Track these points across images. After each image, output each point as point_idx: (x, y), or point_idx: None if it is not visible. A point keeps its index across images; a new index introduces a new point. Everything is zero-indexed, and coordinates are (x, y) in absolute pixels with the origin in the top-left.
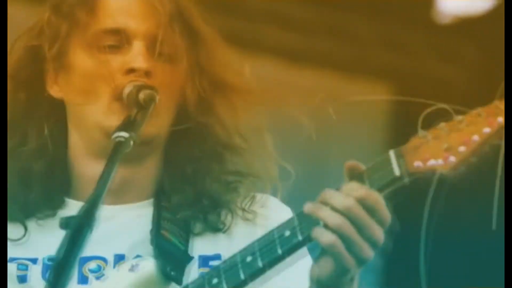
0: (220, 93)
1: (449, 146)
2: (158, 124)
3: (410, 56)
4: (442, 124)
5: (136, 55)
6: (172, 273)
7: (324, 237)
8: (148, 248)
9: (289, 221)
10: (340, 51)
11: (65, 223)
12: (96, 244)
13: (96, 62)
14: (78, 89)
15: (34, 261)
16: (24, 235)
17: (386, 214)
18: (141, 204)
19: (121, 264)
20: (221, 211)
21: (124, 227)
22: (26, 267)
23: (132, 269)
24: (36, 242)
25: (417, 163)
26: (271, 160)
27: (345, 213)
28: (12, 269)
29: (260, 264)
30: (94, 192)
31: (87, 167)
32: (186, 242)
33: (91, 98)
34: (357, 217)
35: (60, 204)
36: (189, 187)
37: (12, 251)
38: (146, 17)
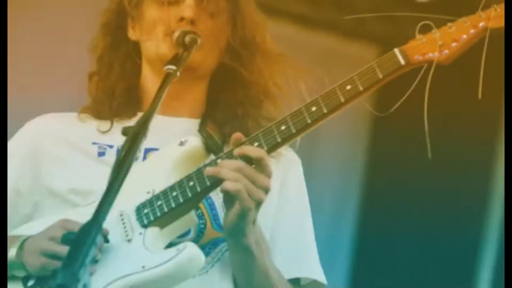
0: (250, 51)
1: (443, 43)
2: (200, 57)
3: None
4: (435, 30)
5: (186, 7)
6: (214, 147)
7: (232, 186)
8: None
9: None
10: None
11: (125, 131)
12: (154, 141)
13: (159, 12)
14: (146, 31)
15: (110, 146)
16: (109, 129)
17: (269, 168)
18: (190, 120)
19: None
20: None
21: (175, 134)
22: (104, 149)
23: (181, 143)
24: (114, 135)
25: (417, 56)
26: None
27: (241, 170)
28: (94, 149)
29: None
30: (149, 108)
31: (152, 88)
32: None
33: (153, 37)
34: (249, 173)
35: (133, 114)
36: (230, 124)
37: (97, 138)
38: None
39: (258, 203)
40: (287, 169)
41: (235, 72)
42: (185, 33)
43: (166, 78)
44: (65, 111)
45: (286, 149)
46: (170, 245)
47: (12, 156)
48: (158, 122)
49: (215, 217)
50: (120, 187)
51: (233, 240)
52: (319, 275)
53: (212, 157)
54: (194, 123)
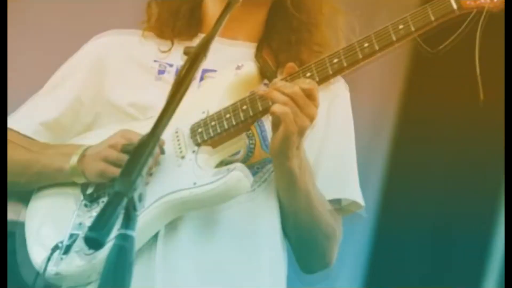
0: None
1: None
2: None
3: None
4: None
5: None
6: (268, 73)
7: (279, 108)
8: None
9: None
10: None
11: (187, 51)
12: (212, 63)
13: None
14: None
15: (170, 65)
16: (170, 49)
17: (318, 100)
18: (247, 43)
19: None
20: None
21: (233, 56)
22: (165, 67)
23: (238, 68)
24: (174, 54)
25: (469, 2)
26: (343, 40)
27: (291, 96)
28: (155, 66)
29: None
30: (211, 31)
31: (214, 10)
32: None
33: None
34: (300, 98)
35: (194, 35)
36: (285, 52)
37: (158, 56)
38: None
39: (302, 130)
40: (335, 96)
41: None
42: None
43: (229, 4)
44: None
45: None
46: (221, 164)
47: (77, 67)
48: (216, 44)
49: (264, 138)
50: (179, 103)
51: (277, 161)
52: (359, 197)
53: (266, 82)
54: (251, 47)
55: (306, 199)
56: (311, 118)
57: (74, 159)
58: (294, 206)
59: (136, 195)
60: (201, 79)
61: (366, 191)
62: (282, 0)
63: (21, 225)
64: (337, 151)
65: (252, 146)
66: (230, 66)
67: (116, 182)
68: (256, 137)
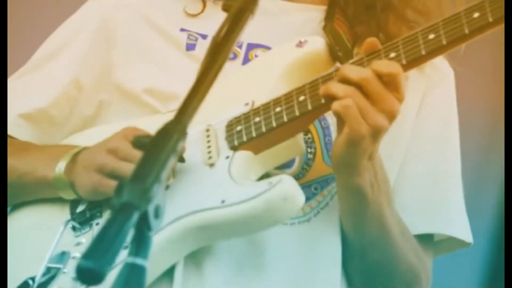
0: None
1: None
2: None
3: None
4: None
5: None
6: (339, 53)
7: (339, 104)
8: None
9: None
10: None
11: (227, 6)
12: (262, 35)
13: None
14: None
15: (204, 36)
16: (202, 11)
17: (402, 90)
18: (312, 7)
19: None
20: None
21: (292, 26)
22: (195, 39)
23: (299, 44)
24: (207, 20)
25: None
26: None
27: (360, 83)
28: (182, 38)
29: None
30: None
31: None
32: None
33: None
34: (372, 87)
35: None
36: (365, 22)
37: (186, 24)
38: None
39: (375, 132)
40: (433, 85)
41: None
42: None
43: None
44: None
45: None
46: (265, 177)
47: (73, 37)
48: (268, 4)
49: (328, 145)
50: (213, 81)
51: (340, 177)
52: (462, 231)
53: (338, 65)
54: (318, 12)
55: (380, 231)
56: (390, 116)
57: (60, 167)
58: (362, 240)
59: (151, 209)
60: (246, 58)
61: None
62: None
63: None
64: (430, 167)
65: (310, 156)
66: (289, 42)
67: (125, 189)
68: (316, 144)
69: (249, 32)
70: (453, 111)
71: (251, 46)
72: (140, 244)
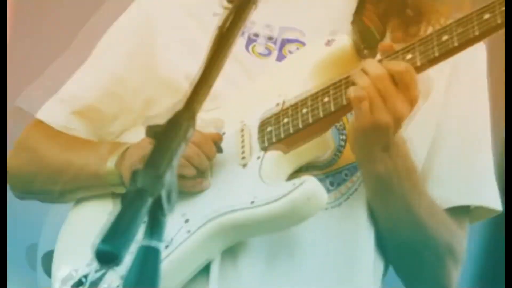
0: None
1: None
2: None
3: None
4: None
5: None
6: (365, 51)
7: (353, 92)
8: (347, 28)
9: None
10: None
11: None
12: (295, 18)
13: None
14: None
15: None
16: None
17: (416, 93)
18: None
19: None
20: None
21: (325, 9)
22: None
23: (328, 43)
24: None
25: None
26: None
27: (373, 80)
28: (214, 23)
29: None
30: None
31: None
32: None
33: None
34: (382, 85)
35: None
36: (397, 17)
37: (218, 8)
38: None
39: (382, 127)
40: (466, 56)
41: None
42: None
43: None
44: None
45: None
46: (298, 172)
47: (118, 36)
48: None
49: None
50: (220, 69)
51: (359, 164)
52: (493, 200)
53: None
54: (349, 2)
55: (406, 216)
56: (397, 116)
57: (111, 162)
58: (388, 222)
59: (164, 194)
60: (281, 55)
61: None
62: None
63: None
64: (464, 139)
65: (342, 143)
66: (319, 40)
67: (139, 176)
68: (348, 130)
69: (283, 15)
70: (483, 85)
71: (284, 42)
72: (154, 228)
